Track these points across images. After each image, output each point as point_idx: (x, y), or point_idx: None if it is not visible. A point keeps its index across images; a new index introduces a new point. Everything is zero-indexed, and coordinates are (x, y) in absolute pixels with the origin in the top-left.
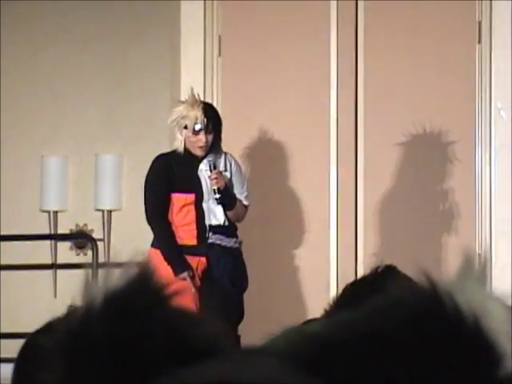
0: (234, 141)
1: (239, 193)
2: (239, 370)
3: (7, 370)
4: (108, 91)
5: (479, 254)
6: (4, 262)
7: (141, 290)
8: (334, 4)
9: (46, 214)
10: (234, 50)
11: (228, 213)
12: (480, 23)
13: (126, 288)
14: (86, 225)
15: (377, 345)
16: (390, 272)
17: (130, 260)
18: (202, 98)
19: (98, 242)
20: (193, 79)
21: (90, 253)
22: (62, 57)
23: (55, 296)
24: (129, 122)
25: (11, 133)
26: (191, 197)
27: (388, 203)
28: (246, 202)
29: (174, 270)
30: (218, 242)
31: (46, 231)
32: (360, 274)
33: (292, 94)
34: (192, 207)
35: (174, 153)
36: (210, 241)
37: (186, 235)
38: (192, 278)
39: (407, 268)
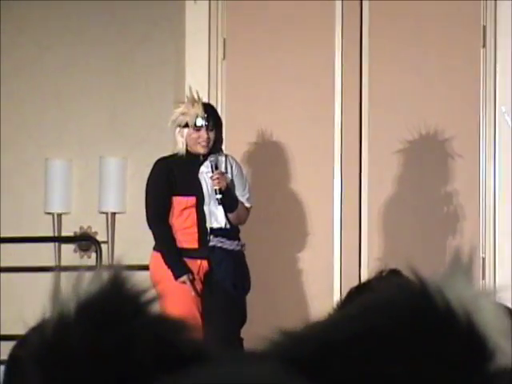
0: (238, 143)
1: (241, 195)
2: (232, 375)
3: None
4: (112, 94)
5: (483, 258)
6: (8, 264)
7: (116, 296)
8: (338, 4)
9: (50, 217)
10: (238, 52)
11: (229, 215)
12: (485, 27)
13: (100, 295)
14: (89, 227)
15: (370, 343)
16: (395, 275)
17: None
18: (206, 100)
19: (102, 245)
20: (197, 82)
21: (93, 255)
22: (66, 59)
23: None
24: (133, 125)
25: (16, 135)
26: (192, 199)
27: (392, 206)
28: (247, 204)
29: (173, 274)
30: (220, 244)
31: (50, 233)
32: (364, 277)
33: (296, 96)
34: (193, 210)
35: (174, 156)
36: (211, 244)
37: (187, 238)
38: (192, 281)
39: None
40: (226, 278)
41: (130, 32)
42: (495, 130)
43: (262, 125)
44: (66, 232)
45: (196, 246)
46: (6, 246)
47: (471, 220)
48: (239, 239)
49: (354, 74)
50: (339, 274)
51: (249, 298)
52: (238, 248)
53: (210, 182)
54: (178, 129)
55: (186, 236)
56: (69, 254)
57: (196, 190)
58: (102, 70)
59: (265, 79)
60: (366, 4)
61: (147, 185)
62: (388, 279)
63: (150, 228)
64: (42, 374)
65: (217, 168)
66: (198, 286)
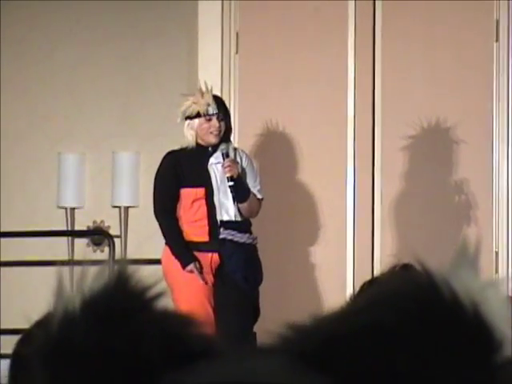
0: (251, 137)
1: (252, 186)
2: (241, 370)
3: None
4: (125, 88)
5: (496, 252)
6: (21, 258)
7: (121, 292)
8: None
9: (63, 211)
10: (251, 47)
11: (241, 206)
12: (498, 21)
13: (105, 290)
14: (102, 221)
15: (377, 336)
16: (408, 270)
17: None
18: (218, 94)
19: (115, 239)
20: (210, 76)
21: (106, 249)
22: (79, 55)
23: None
24: (146, 119)
25: (28, 130)
26: (201, 191)
27: (405, 200)
28: (259, 196)
29: (180, 263)
30: (230, 237)
31: (63, 228)
32: (376, 271)
33: (309, 91)
34: (203, 202)
35: (183, 149)
36: (221, 236)
37: (198, 231)
38: (198, 269)
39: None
40: (237, 271)
41: (142, 26)
42: (508, 123)
43: (274, 119)
44: (79, 226)
45: (206, 239)
46: (19, 241)
47: (484, 213)
48: (251, 232)
49: (367, 66)
50: (352, 269)
51: (261, 292)
52: (250, 241)
53: (219, 173)
54: (188, 121)
55: (196, 229)
56: (82, 248)
57: (205, 181)
58: (115, 65)
59: (277, 74)
60: (379, 1)
61: (155, 178)
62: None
63: (157, 220)
64: (48, 370)
65: (228, 156)
66: (209, 279)
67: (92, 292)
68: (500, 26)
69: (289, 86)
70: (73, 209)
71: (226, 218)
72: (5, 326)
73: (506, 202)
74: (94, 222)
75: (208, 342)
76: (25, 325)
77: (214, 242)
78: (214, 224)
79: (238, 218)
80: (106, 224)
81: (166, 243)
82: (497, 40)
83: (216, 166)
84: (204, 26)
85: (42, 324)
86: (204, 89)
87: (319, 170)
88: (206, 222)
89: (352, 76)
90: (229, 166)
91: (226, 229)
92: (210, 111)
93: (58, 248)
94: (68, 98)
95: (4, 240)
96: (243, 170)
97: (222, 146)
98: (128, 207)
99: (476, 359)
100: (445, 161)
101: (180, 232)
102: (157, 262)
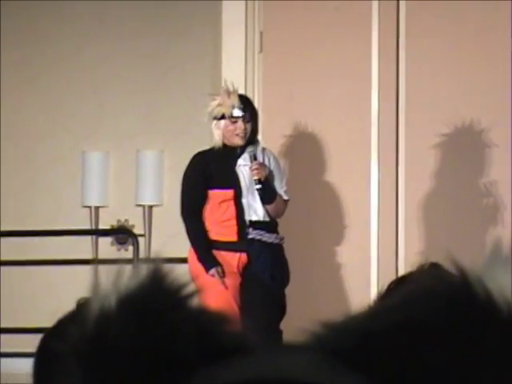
0: (275, 136)
1: (279, 187)
2: (274, 366)
3: None
4: (150, 87)
5: None
6: (45, 257)
7: (157, 290)
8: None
9: (88, 210)
10: (275, 46)
11: (268, 207)
12: None
13: (140, 289)
14: (126, 220)
15: (412, 334)
16: (437, 269)
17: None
18: (242, 93)
19: (139, 238)
20: (234, 75)
21: (130, 248)
22: (104, 53)
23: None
24: (170, 117)
25: (53, 128)
26: (230, 192)
27: (429, 198)
28: (285, 197)
29: (204, 267)
30: (259, 237)
31: (87, 227)
32: (401, 270)
33: (333, 90)
34: (231, 203)
35: (211, 150)
36: (250, 236)
37: (226, 231)
38: (220, 274)
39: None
40: (265, 271)
41: (167, 25)
42: None
43: (298, 118)
44: (103, 225)
45: (235, 238)
46: (43, 240)
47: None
48: (278, 232)
49: (391, 66)
50: (376, 268)
51: (287, 291)
52: (277, 241)
53: (247, 174)
54: (215, 121)
55: (224, 229)
56: (106, 247)
57: (234, 182)
58: (139, 63)
59: (301, 72)
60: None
61: (183, 179)
62: (429, 271)
63: (184, 222)
64: (83, 367)
65: (255, 158)
66: (237, 279)
67: (128, 290)
68: None
69: (312, 85)
70: (97, 207)
71: (254, 218)
72: (30, 324)
73: None
74: (118, 220)
75: (241, 339)
76: (50, 323)
77: (243, 242)
78: (242, 224)
79: (267, 219)
80: (130, 223)
81: (192, 247)
82: None
83: (244, 168)
84: (228, 25)
85: (76, 321)
86: (230, 89)
87: (342, 168)
88: (234, 222)
89: (376, 74)
90: (256, 168)
91: (254, 229)
92: (236, 113)
93: (82, 247)
94: (92, 96)
95: (29, 239)
96: (270, 171)
97: (250, 149)
98: (152, 206)
99: (508, 357)
100: (470, 160)
101: (205, 235)
102: (180, 260)
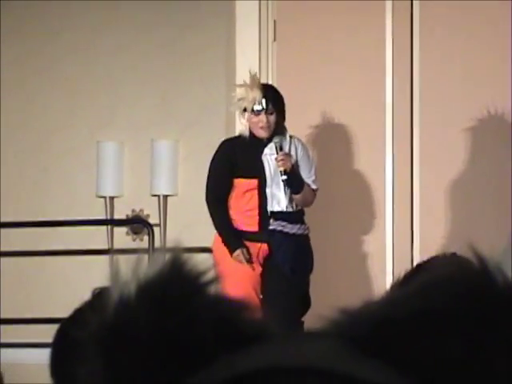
0: (289, 125)
1: (306, 177)
2: (293, 353)
3: None
4: (164, 77)
5: None
6: (61, 247)
7: (177, 277)
8: None
9: (103, 200)
10: (289, 35)
11: (296, 197)
12: None
13: (160, 276)
14: (142, 210)
15: (430, 321)
16: (454, 258)
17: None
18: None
19: (154, 228)
20: (248, 64)
21: (146, 238)
22: (118, 43)
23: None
24: (185, 107)
25: (67, 118)
26: (254, 182)
27: (444, 187)
28: (314, 186)
29: (229, 250)
30: (280, 228)
31: (103, 217)
32: (416, 259)
33: (347, 79)
34: (255, 193)
35: (239, 138)
36: (271, 227)
37: (248, 221)
38: (248, 258)
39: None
40: (285, 263)
41: (181, 14)
42: None
43: (312, 107)
44: (118, 215)
45: (256, 229)
46: (58, 230)
47: None
48: (303, 223)
49: (405, 54)
50: (391, 257)
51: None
52: (301, 232)
53: (273, 164)
54: (240, 112)
55: (247, 219)
56: (121, 237)
57: (258, 172)
58: (154, 53)
59: (315, 61)
60: None
61: (210, 164)
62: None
63: (208, 208)
64: (103, 353)
65: (281, 149)
66: (257, 269)
67: (147, 277)
68: None
69: (326, 74)
70: (112, 198)
71: (276, 208)
72: (46, 314)
73: None
74: (133, 210)
75: (261, 326)
76: (66, 314)
77: (264, 233)
78: (264, 214)
79: (290, 209)
80: (145, 213)
81: (217, 231)
82: None
83: (270, 157)
84: (242, 14)
85: (96, 308)
86: (255, 79)
87: (357, 158)
88: (257, 212)
89: (390, 62)
90: (282, 159)
91: (276, 220)
92: (256, 108)
93: (97, 237)
94: (107, 86)
95: (44, 229)
96: (297, 160)
97: (276, 139)
98: (167, 196)
99: None
100: (485, 147)
101: (229, 220)
102: (196, 250)
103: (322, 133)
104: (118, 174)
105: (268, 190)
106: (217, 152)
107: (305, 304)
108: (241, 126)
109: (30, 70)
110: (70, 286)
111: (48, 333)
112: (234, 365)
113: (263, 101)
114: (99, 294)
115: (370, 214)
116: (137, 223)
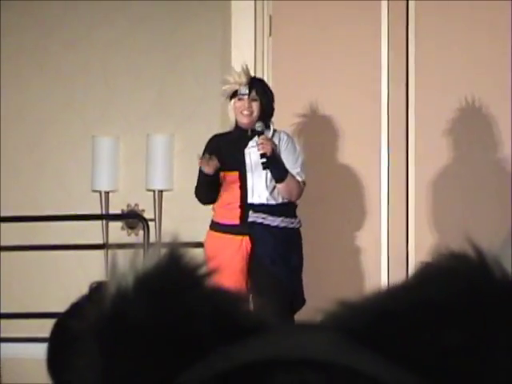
0: (284, 119)
1: (291, 168)
2: (292, 345)
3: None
4: (159, 71)
5: None
6: (55, 242)
7: (174, 270)
8: None
9: (98, 194)
10: (284, 30)
11: (279, 187)
12: None
13: (157, 269)
14: (137, 205)
15: (428, 314)
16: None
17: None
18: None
19: (150, 222)
20: (243, 59)
21: (141, 233)
22: (113, 37)
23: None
24: (180, 101)
25: (62, 113)
26: (234, 174)
27: (439, 181)
28: (299, 178)
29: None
30: (260, 220)
31: (98, 211)
32: (411, 255)
33: (342, 72)
34: (236, 186)
35: (226, 133)
36: (250, 219)
37: (230, 214)
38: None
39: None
40: (265, 255)
41: (176, 9)
42: None
43: (308, 100)
44: (114, 210)
45: (237, 222)
46: (53, 225)
47: None
48: (292, 216)
49: (401, 47)
50: (386, 252)
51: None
52: (284, 225)
53: (255, 156)
54: (229, 102)
55: (228, 212)
56: (116, 231)
57: (240, 165)
58: (149, 47)
59: (310, 56)
60: None
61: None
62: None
63: (196, 196)
64: (100, 345)
65: (263, 133)
66: (242, 264)
67: (145, 270)
68: None
69: (321, 68)
70: (107, 192)
71: (257, 201)
72: (41, 309)
73: None
74: (129, 205)
75: (258, 318)
76: (61, 308)
77: (245, 226)
78: (246, 207)
79: (272, 202)
80: (141, 207)
81: (211, 228)
82: None
83: (253, 150)
84: (237, 9)
85: (93, 301)
86: (245, 68)
87: (352, 151)
88: (238, 205)
89: (385, 57)
90: (262, 143)
91: (255, 212)
92: (241, 91)
93: (92, 232)
94: (102, 80)
95: (38, 224)
96: (281, 151)
97: (258, 124)
98: (162, 191)
99: None
100: (480, 140)
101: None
102: (191, 245)
103: (318, 127)
104: (114, 169)
105: (249, 183)
106: (204, 149)
107: (298, 301)
108: (230, 117)
109: (25, 65)
110: (66, 280)
111: (43, 327)
112: (232, 357)
113: (247, 87)
114: (97, 288)
115: (364, 209)
116: (132, 218)
